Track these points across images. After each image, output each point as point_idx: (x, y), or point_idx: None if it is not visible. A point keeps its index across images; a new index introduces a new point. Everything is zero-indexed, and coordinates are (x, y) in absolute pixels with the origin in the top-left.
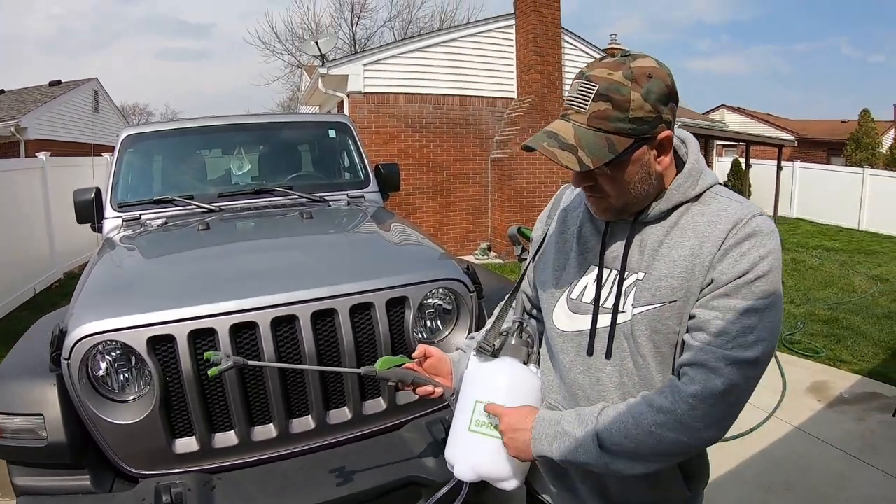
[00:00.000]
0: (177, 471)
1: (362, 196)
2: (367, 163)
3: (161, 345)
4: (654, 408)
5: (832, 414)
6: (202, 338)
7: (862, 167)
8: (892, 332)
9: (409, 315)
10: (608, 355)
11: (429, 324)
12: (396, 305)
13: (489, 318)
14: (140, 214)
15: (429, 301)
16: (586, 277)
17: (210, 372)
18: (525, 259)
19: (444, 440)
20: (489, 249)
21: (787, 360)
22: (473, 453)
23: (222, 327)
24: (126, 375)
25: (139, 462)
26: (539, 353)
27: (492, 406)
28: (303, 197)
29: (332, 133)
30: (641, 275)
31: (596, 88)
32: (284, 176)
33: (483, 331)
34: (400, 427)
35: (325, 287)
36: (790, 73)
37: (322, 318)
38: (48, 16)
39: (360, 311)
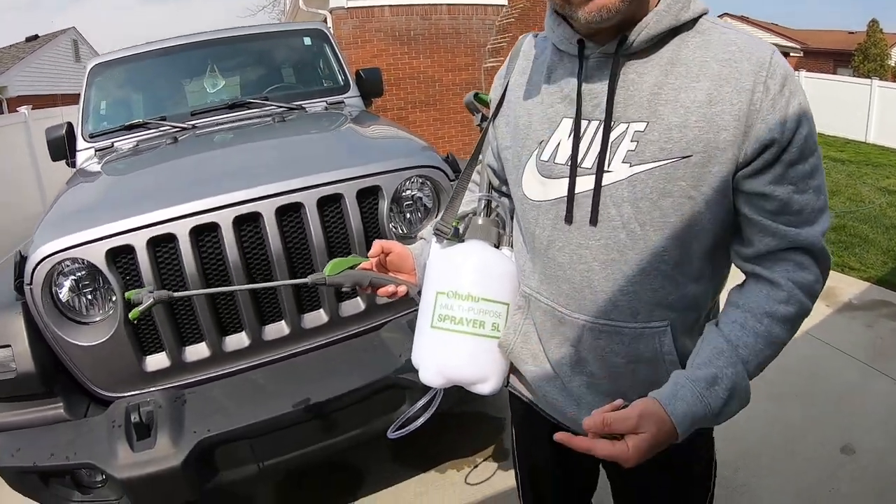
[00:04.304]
0: (150, 389)
1: (342, 102)
2: (346, 68)
3: (121, 257)
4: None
5: (842, 319)
6: (163, 245)
7: (870, 79)
8: None
9: (384, 206)
10: (593, 221)
11: (408, 216)
12: (369, 196)
13: None
14: (112, 143)
15: (405, 192)
16: (559, 133)
17: (131, 315)
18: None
19: None
20: None
21: None
22: (438, 353)
23: (182, 232)
24: (90, 296)
25: (111, 384)
26: (511, 235)
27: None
28: (280, 107)
29: (307, 41)
30: (643, 125)
31: None
32: (261, 89)
33: (441, 214)
34: (380, 328)
35: (289, 180)
36: None
37: (288, 213)
38: None
39: (330, 204)
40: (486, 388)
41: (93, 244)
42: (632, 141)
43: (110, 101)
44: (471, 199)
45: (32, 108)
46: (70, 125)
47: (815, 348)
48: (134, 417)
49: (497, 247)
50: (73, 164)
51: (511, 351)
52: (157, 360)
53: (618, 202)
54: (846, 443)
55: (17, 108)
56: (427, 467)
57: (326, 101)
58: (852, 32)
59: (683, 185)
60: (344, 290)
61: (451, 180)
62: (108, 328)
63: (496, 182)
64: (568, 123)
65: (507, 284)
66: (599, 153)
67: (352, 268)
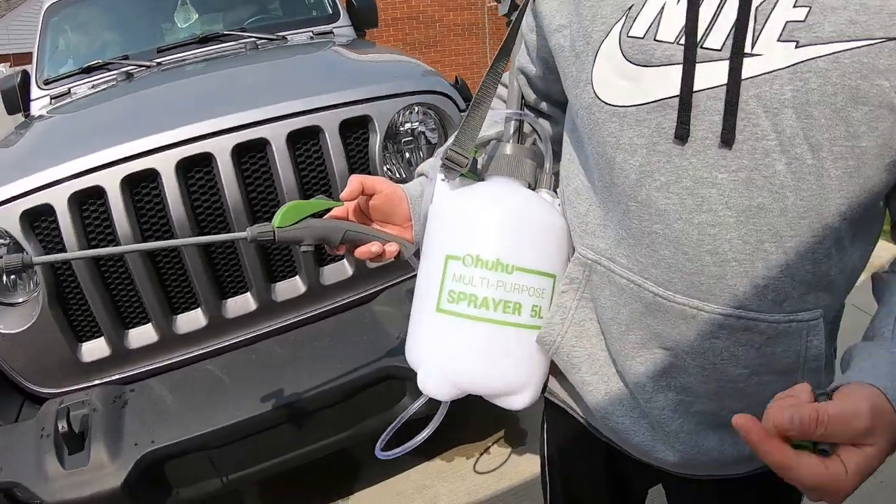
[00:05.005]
0: (93, 383)
1: (331, 32)
2: None
3: (40, 221)
4: None
5: None
6: (90, 202)
7: None
8: None
9: (376, 142)
10: (727, 138)
11: (408, 155)
12: (356, 130)
13: None
14: (69, 88)
15: (404, 125)
16: None
17: None
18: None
19: None
20: None
21: None
22: (448, 351)
23: (111, 184)
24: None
25: (44, 378)
26: (552, 173)
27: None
28: (260, 38)
29: None
30: None
31: None
32: (238, 22)
33: (452, 138)
34: (372, 299)
35: (250, 111)
36: None
37: (251, 154)
38: None
39: (305, 141)
40: (518, 401)
41: (4, 206)
42: (797, 6)
43: (69, 44)
44: (495, 121)
45: (11, 66)
46: (25, 73)
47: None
48: (61, 426)
49: (533, 188)
50: (28, 117)
51: (557, 350)
52: (95, 348)
53: (773, 107)
54: None
55: None
56: (431, 455)
57: (312, 32)
58: None
59: (886, 87)
60: (303, 249)
61: (462, 110)
62: (32, 311)
63: (531, 97)
64: None
65: (553, 246)
66: (736, 24)
67: (317, 216)
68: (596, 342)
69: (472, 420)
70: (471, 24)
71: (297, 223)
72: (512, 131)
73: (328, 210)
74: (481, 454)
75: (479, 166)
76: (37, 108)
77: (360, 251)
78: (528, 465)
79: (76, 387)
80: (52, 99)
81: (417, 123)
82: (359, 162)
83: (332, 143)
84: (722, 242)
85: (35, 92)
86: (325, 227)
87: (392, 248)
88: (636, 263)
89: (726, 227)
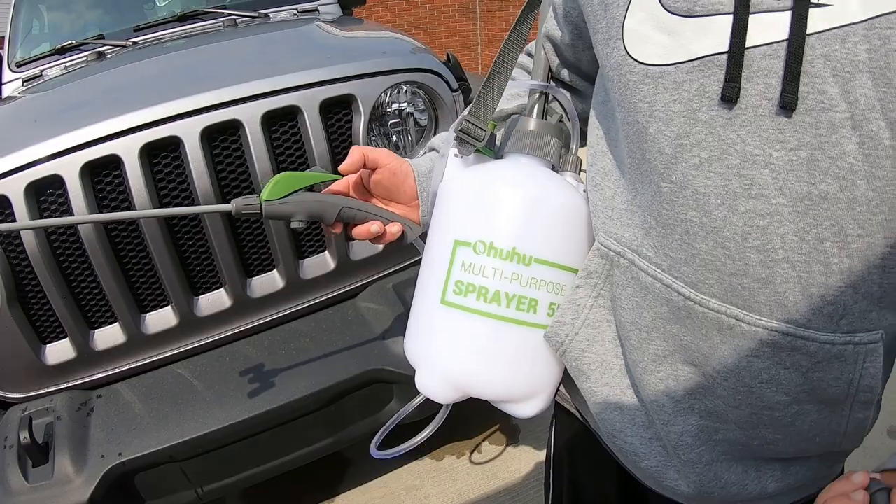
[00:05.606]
0: (59, 387)
1: (316, 9)
2: None
3: None
4: None
5: None
6: (49, 193)
7: None
8: None
9: (360, 124)
10: (787, 104)
11: (395, 138)
12: (338, 110)
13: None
14: (42, 70)
15: (390, 105)
16: None
17: None
18: None
19: None
20: None
21: None
22: (452, 349)
23: (71, 172)
24: None
25: (7, 382)
26: (577, 153)
27: None
28: (241, 16)
29: None
30: None
31: None
32: (220, 0)
33: (468, 109)
34: (356, 294)
35: (220, 90)
36: None
37: (222, 137)
38: None
39: (283, 124)
40: (527, 408)
41: None
42: None
43: (44, 23)
44: (517, 93)
45: None
46: None
47: None
48: (23, 437)
49: (556, 169)
50: None
51: (564, 353)
52: (59, 350)
53: (845, 71)
54: (892, 425)
55: None
56: (420, 454)
57: (297, 9)
58: None
59: None
60: (294, 225)
61: (454, 91)
62: None
63: (555, 64)
64: None
65: (578, 236)
66: None
67: (311, 189)
68: (611, 348)
69: (462, 415)
70: (462, 5)
71: (287, 196)
72: (536, 105)
73: (325, 183)
74: (472, 452)
75: (497, 142)
76: (8, 92)
77: (359, 231)
78: (522, 464)
79: (42, 391)
80: (23, 82)
81: (405, 104)
82: (341, 145)
83: (312, 125)
84: (773, 237)
85: (7, 75)
86: (319, 201)
87: (394, 229)
88: (665, 258)
89: (779, 219)
